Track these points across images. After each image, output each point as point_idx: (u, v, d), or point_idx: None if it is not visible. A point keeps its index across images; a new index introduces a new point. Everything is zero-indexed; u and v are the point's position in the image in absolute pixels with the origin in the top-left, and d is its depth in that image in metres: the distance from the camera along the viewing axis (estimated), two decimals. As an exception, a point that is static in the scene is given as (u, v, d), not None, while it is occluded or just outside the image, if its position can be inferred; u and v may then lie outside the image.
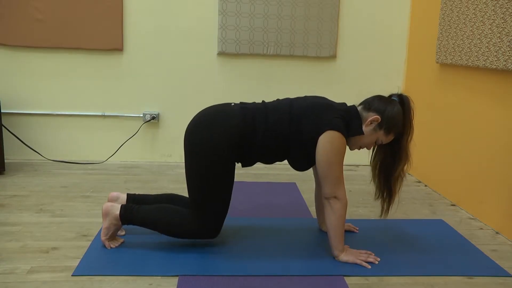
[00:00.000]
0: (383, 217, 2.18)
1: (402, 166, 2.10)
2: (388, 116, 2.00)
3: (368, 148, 2.09)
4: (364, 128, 2.02)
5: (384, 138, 2.04)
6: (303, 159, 2.04)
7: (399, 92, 2.11)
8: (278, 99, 2.13)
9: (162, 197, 2.25)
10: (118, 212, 2.03)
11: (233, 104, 2.08)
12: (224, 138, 1.96)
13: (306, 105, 2.03)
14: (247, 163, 2.08)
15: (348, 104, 2.09)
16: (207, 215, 2.01)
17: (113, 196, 2.19)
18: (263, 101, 2.13)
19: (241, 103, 2.09)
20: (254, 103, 2.10)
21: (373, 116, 2.00)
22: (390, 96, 2.09)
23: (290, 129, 1.98)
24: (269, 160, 2.09)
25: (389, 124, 2.01)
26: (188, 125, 2.06)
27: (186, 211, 2.06)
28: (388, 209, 2.17)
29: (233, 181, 2.04)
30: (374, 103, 2.04)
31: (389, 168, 2.11)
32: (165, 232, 2.07)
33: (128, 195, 2.21)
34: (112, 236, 2.08)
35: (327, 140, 1.94)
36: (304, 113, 2.00)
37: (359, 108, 2.07)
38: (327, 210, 2.00)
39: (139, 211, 2.05)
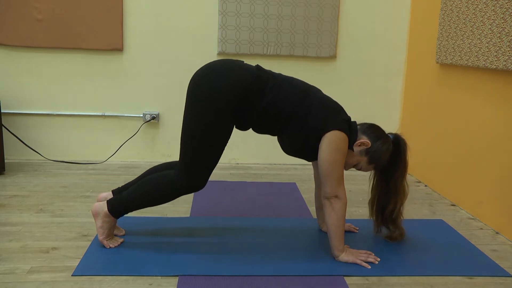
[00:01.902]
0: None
1: (399, 204, 2.15)
2: (377, 148, 2.04)
3: (345, 168, 2.09)
4: (353, 146, 2.03)
5: (365, 165, 2.07)
6: (294, 143, 2.03)
7: (397, 132, 2.15)
8: (293, 77, 2.10)
9: (144, 174, 2.23)
10: (106, 208, 2.03)
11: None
12: (231, 89, 1.91)
13: (322, 97, 2.04)
14: (239, 125, 2.05)
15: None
16: (198, 167, 1.97)
17: (102, 197, 2.19)
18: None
19: (257, 65, 2.06)
20: (270, 70, 2.07)
21: (365, 140, 2.02)
22: (388, 133, 2.13)
23: (297, 109, 1.96)
24: (260, 130, 2.06)
25: (374, 156, 2.04)
26: (200, 69, 2.01)
27: (172, 170, 2.03)
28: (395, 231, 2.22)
29: (227, 139, 1.99)
30: (371, 129, 2.08)
31: (385, 206, 2.16)
32: (157, 199, 2.05)
33: (113, 191, 2.21)
34: (110, 235, 2.08)
35: (334, 139, 1.94)
36: (319, 103, 1.99)
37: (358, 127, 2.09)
38: (327, 209, 2.00)
39: (124, 196, 2.04)
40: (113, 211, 2.04)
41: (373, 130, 2.08)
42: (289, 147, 2.07)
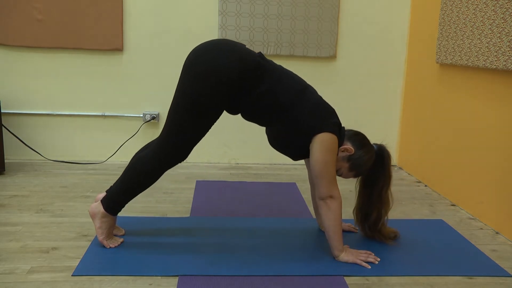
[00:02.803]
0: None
1: (383, 214, 2.16)
2: (360, 156, 2.04)
3: None
4: (338, 151, 2.03)
5: (345, 172, 2.08)
6: (282, 138, 2.02)
7: (382, 144, 2.16)
8: (293, 73, 2.09)
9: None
10: (102, 208, 2.03)
11: None
12: (232, 70, 1.89)
13: (318, 98, 2.04)
14: (230, 109, 2.03)
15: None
16: (182, 139, 1.96)
17: (99, 198, 2.18)
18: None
19: (260, 52, 2.04)
20: (272, 60, 2.06)
21: (349, 146, 2.03)
22: (373, 143, 2.14)
23: (292, 105, 1.95)
24: (251, 117, 2.04)
25: (356, 163, 2.05)
26: (203, 44, 1.99)
27: (150, 148, 2.01)
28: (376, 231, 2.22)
29: (216, 119, 1.98)
30: (356, 137, 2.08)
31: (369, 215, 2.17)
32: (143, 181, 2.02)
33: (106, 191, 2.20)
34: (109, 235, 2.08)
35: (325, 139, 1.94)
36: (314, 103, 1.99)
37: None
38: (324, 210, 1.99)
39: (113, 189, 2.04)
40: (108, 208, 2.04)
41: (358, 138, 2.09)
42: (276, 141, 2.06)
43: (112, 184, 2.13)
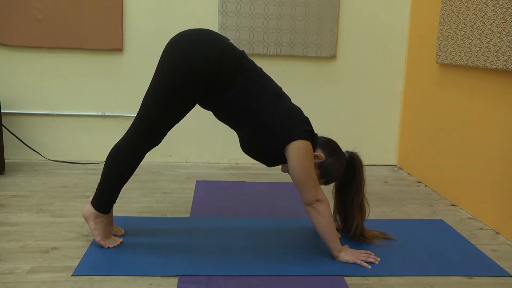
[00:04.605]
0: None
1: (359, 220, 2.16)
2: (330, 163, 2.05)
3: None
4: None
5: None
6: (252, 142, 2.00)
7: (354, 151, 2.16)
8: (270, 77, 2.07)
9: None
10: (93, 209, 2.04)
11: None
12: (208, 60, 1.87)
13: (291, 105, 2.02)
14: (203, 103, 2.01)
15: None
16: (149, 126, 1.95)
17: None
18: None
19: (243, 51, 2.03)
20: (253, 61, 2.04)
21: (320, 154, 2.03)
22: (345, 151, 2.15)
23: (264, 111, 1.94)
24: (221, 116, 2.02)
25: (326, 170, 2.05)
26: (184, 32, 1.97)
27: (128, 135, 2.00)
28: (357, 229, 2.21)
29: (186, 111, 1.97)
30: (327, 144, 2.08)
31: (346, 221, 2.17)
32: (121, 173, 2.01)
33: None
34: (106, 235, 2.07)
35: (300, 147, 1.93)
36: (287, 111, 1.97)
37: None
38: (313, 215, 1.98)
39: (98, 187, 2.04)
40: (98, 207, 2.04)
41: (330, 145, 2.09)
42: (249, 146, 2.04)
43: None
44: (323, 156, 2.03)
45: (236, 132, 2.07)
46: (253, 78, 1.96)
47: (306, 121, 2.02)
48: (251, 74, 1.96)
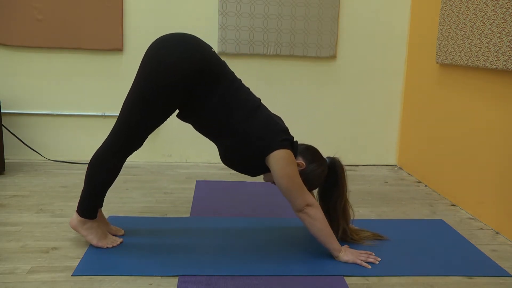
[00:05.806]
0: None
1: (344, 225, 2.15)
2: (311, 170, 2.05)
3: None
4: None
5: None
6: (232, 153, 2.01)
7: (335, 157, 2.16)
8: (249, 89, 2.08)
9: None
10: (79, 217, 2.04)
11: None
12: (188, 65, 1.87)
13: (269, 115, 2.03)
14: (180, 113, 2.01)
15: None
16: (127, 130, 1.95)
17: None
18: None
19: (224, 61, 2.04)
20: (234, 73, 2.05)
21: (300, 161, 2.03)
22: (326, 157, 2.14)
23: (243, 119, 1.94)
24: (201, 127, 2.03)
25: (307, 178, 2.04)
26: (164, 37, 1.98)
27: (109, 139, 2.00)
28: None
29: (163, 118, 1.97)
30: (307, 151, 2.08)
31: (333, 225, 2.14)
32: (109, 173, 2.02)
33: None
34: (101, 237, 2.07)
35: (281, 156, 1.93)
36: (265, 121, 1.98)
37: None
38: (307, 220, 1.98)
39: (82, 194, 2.04)
40: (83, 213, 2.03)
41: (310, 152, 2.09)
42: (230, 159, 2.05)
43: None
44: (304, 164, 2.03)
45: (216, 145, 2.08)
46: (233, 89, 1.97)
47: (284, 130, 2.02)
48: (232, 85, 1.97)
